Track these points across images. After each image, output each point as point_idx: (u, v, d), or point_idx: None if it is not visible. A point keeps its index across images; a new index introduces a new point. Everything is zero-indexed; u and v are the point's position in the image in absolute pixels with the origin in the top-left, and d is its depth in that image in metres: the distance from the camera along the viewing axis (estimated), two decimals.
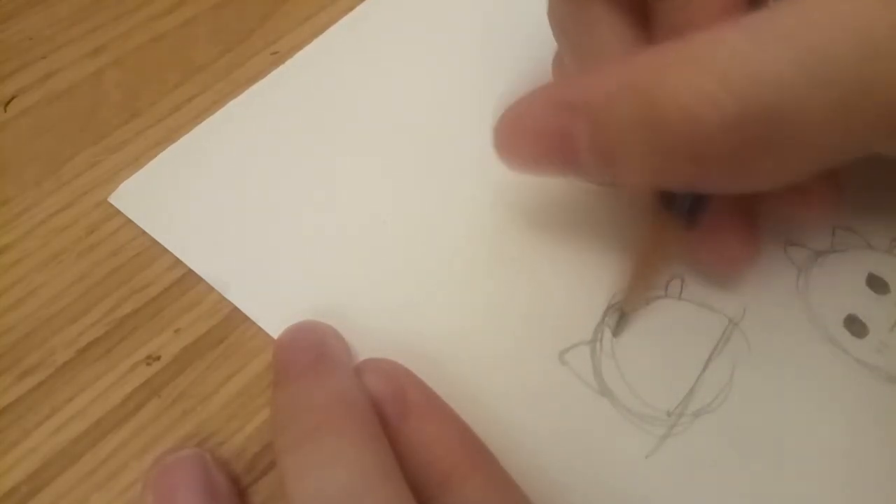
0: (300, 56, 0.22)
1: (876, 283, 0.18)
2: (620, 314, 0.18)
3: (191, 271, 0.19)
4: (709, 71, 0.12)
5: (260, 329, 0.18)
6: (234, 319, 0.18)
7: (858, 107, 0.12)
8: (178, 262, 0.19)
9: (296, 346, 0.17)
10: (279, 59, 0.23)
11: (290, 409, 0.15)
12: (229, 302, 0.18)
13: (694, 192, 0.16)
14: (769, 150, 0.12)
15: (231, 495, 0.15)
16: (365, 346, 0.17)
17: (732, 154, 0.13)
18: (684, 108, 0.12)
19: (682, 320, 0.18)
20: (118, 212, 0.20)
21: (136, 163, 0.21)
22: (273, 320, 0.18)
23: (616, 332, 0.17)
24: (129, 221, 0.20)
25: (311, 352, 0.16)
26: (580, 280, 0.18)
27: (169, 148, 0.21)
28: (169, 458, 0.15)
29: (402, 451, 0.15)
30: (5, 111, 0.22)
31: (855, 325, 0.17)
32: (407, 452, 0.15)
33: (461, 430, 0.16)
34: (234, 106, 0.22)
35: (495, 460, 0.15)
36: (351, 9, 0.24)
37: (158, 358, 0.18)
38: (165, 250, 0.19)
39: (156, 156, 0.21)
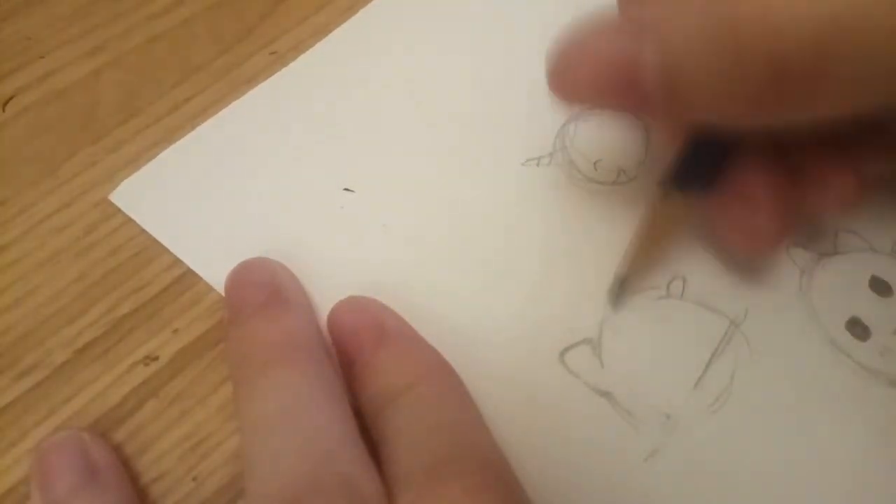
0: (303, 58, 0.22)
1: (879, 286, 0.18)
2: (618, 284, 0.17)
3: (189, 271, 0.19)
4: None
5: None
6: None
7: None
8: (176, 261, 0.19)
9: (248, 285, 0.17)
10: (278, 58, 0.23)
11: (245, 347, 0.16)
12: None
13: (711, 166, 0.15)
14: (841, 66, 0.12)
15: (112, 470, 0.16)
16: None
17: (806, 71, 0.12)
18: (765, 21, 0.12)
19: (683, 321, 0.17)
20: (116, 211, 0.20)
21: (135, 162, 0.21)
22: None
23: (613, 304, 0.17)
24: (128, 221, 0.20)
25: (263, 290, 0.17)
26: (580, 280, 0.18)
27: (171, 146, 0.21)
28: (45, 443, 0.16)
29: (374, 373, 0.16)
30: (3, 111, 0.22)
31: (857, 328, 0.17)
32: (379, 374, 0.16)
33: (431, 353, 0.16)
34: (237, 106, 0.21)
35: (459, 381, 0.16)
36: (349, 8, 0.23)
37: (156, 358, 0.18)
38: (163, 250, 0.19)
39: (154, 156, 0.21)
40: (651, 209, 0.17)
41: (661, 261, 0.17)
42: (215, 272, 0.18)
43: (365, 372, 0.16)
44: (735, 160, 0.16)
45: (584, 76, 0.15)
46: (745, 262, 0.18)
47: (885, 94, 0.13)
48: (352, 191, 0.20)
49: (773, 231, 0.16)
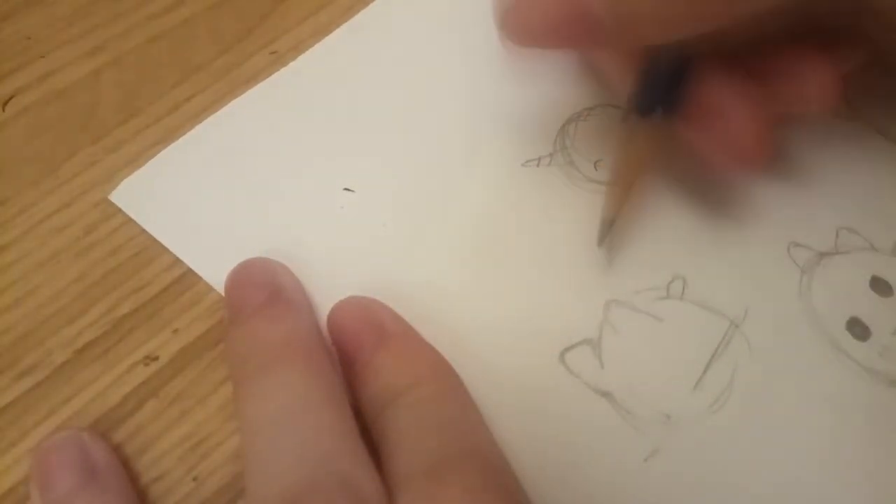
0: (303, 58, 0.22)
1: (879, 286, 0.18)
2: (607, 228, 0.18)
3: (189, 271, 0.19)
4: None
5: None
6: None
7: None
8: (176, 261, 0.19)
9: (248, 285, 0.17)
10: (278, 58, 0.23)
11: (245, 347, 0.16)
12: None
13: (671, 87, 0.16)
14: None
15: (112, 469, 0.16)
16: None
17: None
18: None
19: (683, 322, 0.17)
20: (116, 211, 0.20)
21: (135, 162, 0.21)
22: None
23: (599, 241, 0.17)
24: (128, 221, 0.20)
25: (263, 291, 0.17)
26: (580, 279, 0.18)
27: (171, 146, 0.21)
28: (45, 443, 0.16)
29: (374, 373, 0.16)
30: (3, 111, 0.22)
31: (857, 328, 0.17)
32: (379, 375, 0.16)
33: (431, 353, 0.17)
34: (236, 105, 0.21)
35: (459, 381, 0.16)
36: (350, 8, 0.23)
37: (156, 358, 0.18)
38: (163, 250, 0.19)
39: (154, 155, 0.21)
40: (621, 145, 0.17)
41: (643, 194, 0.17)
42: (215, 272, 0.18)
43: (365, 372, 0.16)
44: (695, 77, 0.16)
45: (535, 15, 0.15)
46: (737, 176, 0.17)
47: None
48: (352, 191, 0.20)
49: (752, 137, 0.16)
